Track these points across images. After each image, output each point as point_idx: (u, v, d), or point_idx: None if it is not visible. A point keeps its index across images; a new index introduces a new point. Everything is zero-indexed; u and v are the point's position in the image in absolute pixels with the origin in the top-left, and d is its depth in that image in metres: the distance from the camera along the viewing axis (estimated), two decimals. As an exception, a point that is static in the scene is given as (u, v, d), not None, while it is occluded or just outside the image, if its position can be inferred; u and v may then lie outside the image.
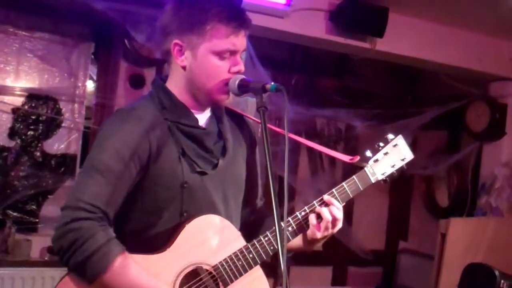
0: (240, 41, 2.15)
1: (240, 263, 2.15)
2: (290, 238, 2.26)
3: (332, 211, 2.24)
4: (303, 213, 2.27)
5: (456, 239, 5.13)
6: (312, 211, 2.26)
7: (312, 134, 6.07)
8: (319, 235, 2.24)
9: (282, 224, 1.79)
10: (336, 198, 2.29)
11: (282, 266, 1.72)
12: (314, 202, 2.28)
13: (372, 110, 5.73)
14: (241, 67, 2.16)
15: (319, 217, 2.24)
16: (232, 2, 2.21)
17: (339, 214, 2.25)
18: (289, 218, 2.25)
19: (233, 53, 2.14)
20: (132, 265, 2.00)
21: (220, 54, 2.12)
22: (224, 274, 2.13)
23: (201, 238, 2.14)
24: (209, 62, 2.12)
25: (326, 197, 2.28)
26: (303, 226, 2.27)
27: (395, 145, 2.43)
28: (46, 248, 4.82)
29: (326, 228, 2.24)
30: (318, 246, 2.37)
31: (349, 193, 2.33)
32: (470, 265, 4.66)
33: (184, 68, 2.16)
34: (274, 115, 4.88)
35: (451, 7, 4.69)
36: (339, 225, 2.27)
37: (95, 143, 2.11)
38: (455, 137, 6.26)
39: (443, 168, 6.09)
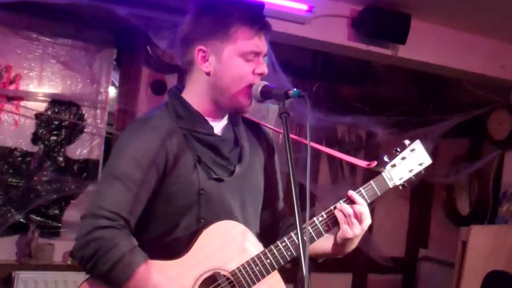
0: (262, 43, 2.19)
1: (258, 268, 2.14)
2: (315, 238, 2.23)
3: (354, 207, 2.22)
4: (327, 214, 2.25)
5: (477, 247, 5.10)
6: (336, 209, 2.24)
7: (333, 141, 6.06)
8: (350, 233, 2.21)
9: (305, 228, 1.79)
10: (361, 195, 2.28)
11: (304, 271, 1.72)
12: (340, 201, 2.26)
13: (394, 118, 5.70)
14: (265, 68, 2.18)
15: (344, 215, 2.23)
16: (252, 6, 2.24)
17: (363, 209, 2.23)
18: (314, 218, 2.23)
19: (256, 55, 2.17)
20: (155, 274, 2.01)
21: (245, 56, 2.15)
22: (242, 280, 2.12)
23: (218, 243, 2.14)
24: (235, 64, 2.15)
25: (350, 192, 2.27)
26: (329, 225, 2.24)
27: (412, 150, 2.42)
28: (69, 252, 4.86)
29: (353, 223, 2.21)
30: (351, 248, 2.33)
31: (367, 198, 2.31)
32: (491, 272, 4.65)
33: (208, 74, 2.17)
34: (295, 121, 4.88)
35: (474, 14, 4.67)
36: (367, 219, 2.23)
37: (113, 152, 2.15)
38: (476, 145, 6.21)
39: (464, 176, 6.05)
